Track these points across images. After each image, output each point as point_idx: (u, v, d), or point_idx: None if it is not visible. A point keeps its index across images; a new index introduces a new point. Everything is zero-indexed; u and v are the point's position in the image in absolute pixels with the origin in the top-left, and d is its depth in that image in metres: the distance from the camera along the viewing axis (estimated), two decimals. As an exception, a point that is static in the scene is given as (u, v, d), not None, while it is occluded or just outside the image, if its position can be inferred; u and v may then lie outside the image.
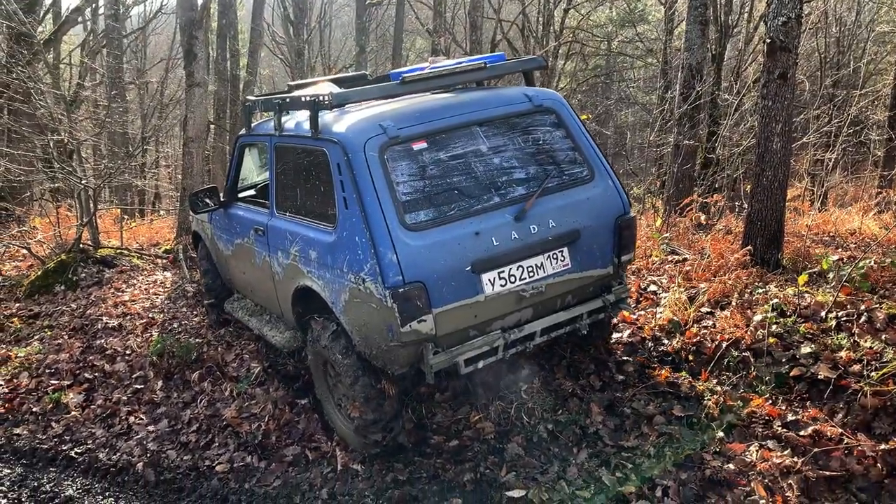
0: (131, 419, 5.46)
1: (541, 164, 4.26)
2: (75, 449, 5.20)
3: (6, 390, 6.04)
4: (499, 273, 3.93)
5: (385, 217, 3.69)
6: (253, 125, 5.34)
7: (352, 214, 3.83)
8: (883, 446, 3.59)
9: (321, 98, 4.09)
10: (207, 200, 5.71)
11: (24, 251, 9.72)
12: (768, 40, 5.52)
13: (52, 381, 6.04)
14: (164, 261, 9.31)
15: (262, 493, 4.41)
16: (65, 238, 9.52)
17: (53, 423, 5.52)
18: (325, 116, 4.21)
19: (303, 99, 4.30)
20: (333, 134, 4.02)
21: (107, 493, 4.72)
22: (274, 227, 4.76)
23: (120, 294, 7.94)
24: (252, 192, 6.21)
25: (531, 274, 4.03)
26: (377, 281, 3.66)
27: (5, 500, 4.83)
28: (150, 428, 5.31)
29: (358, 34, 21.08)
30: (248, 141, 5.49)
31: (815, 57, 16.11)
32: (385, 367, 4.01)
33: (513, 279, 3.97)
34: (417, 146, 3.95)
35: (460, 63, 4.58)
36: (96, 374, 6.10)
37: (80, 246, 9.02)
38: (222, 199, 5.74)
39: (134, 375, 6.05)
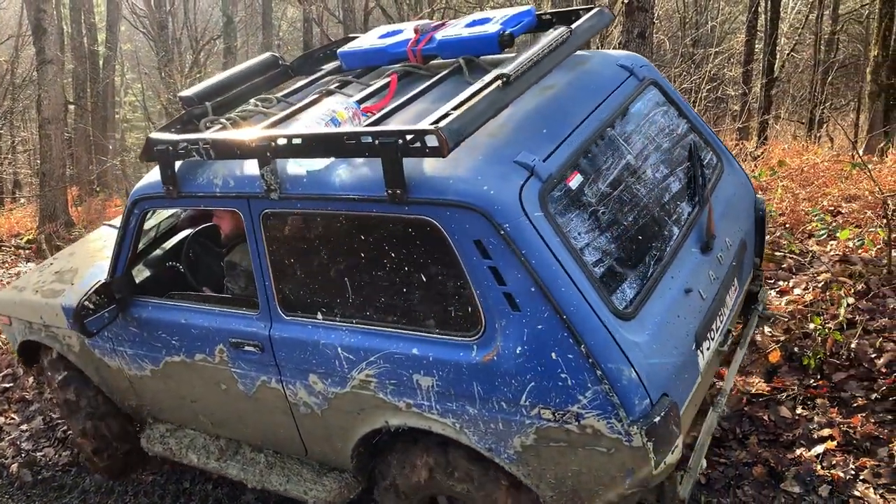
0: (1, 420, 5.16)
1: (681, 161, 3.16)
2: (-61, 456, 4.87)
3: None
4: (707, 335, 2.83)
5: (597, 313, 2.39)
6: (178, 175, 3.06)
7: (530, 319, 2.42)
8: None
9: (410, 137, 2.32)
10: (94, 306, 3.35)
11: None
12: (626, 1, 5.75)
13: None
14: (27, 251, 8.77)
15: (151, 480, 4.30)
16: (-90, 234, 8.78)
17: (-88, 432, 5.14)
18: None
19: (348, 140, 2.43)
20: (451, 192, 2.44)
21: (-21, 500, 4.47)
22: (293, 340, 2.96)
23: (-21, 290, 7.42)
24: (145, 268, 3.89)
25: (722, 320, 2.98)
26: (612, 415, 2.38)
27: None
28: (24, 427, 5.04)
29: (224, 3, 20.30)
30: (166, 205, 3.33)
31: (676, 17, 16.88)
32: None
33: (712, 336, 2.88)
34: (573, 181, 2.63)
35: (482, 25, 3.14)
36: (-40, 375, 5.71)
37: (-71, 241, 8.35)
38: (117, 296, 3.44)
39: (1, 374, 5.70)
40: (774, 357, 3.97)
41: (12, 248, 8.89)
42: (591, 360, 2.35)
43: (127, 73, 26.21)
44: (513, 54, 2.92)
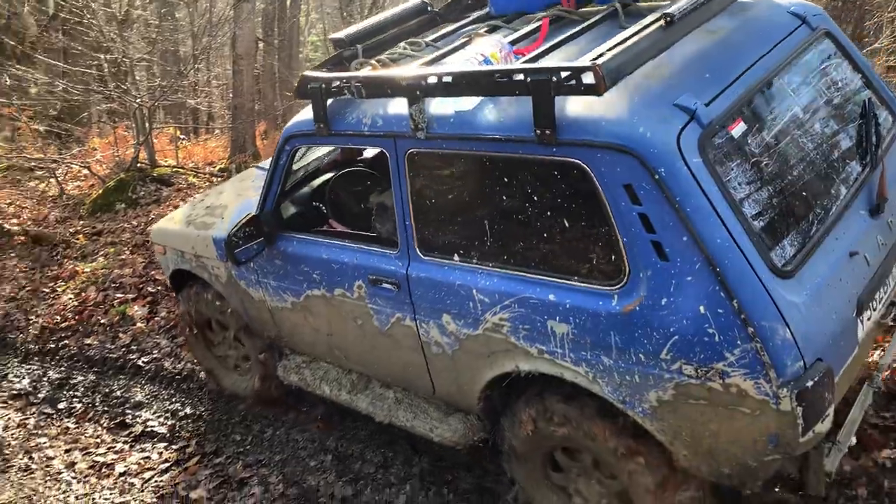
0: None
1: (853, 118, 2.95)
2: (142, 358, 5.45)
3: (76, 303, 6.34)
4: (870, 304, 2.65)
5: (753, 267, 2.26)
6: (329, 114, 3.15)
7: (679, 270, 2.31)
8: None
9: (565, 74, 2.27)
10: (245, 238, 3.53)
11: (85, 171, 10.00)
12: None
13: (118, 295, 6.28)
14: (220, 179, 9.46)
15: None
16: (123, 158, 9.75)
17: (121, 334, 5.78)
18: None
19: (499, 77, 2.41)
20: (603, 133, 2.35)
21: (173, 399, 4.97)
22: (429, 280, 2.98)
23: (178, 211, 8.11)
24: (291, 205, 3.97)
25: (886, 290, 2.79)
26: (760, 375, 2.24)
27: (80, 405, 5.13)
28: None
29: (406, -56, 20.44)
30: (316, 142, 3.54)
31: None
32: (737, 483, 2.58)
33: (875, 305, 2.69)
34: (736, 129, 2.48)
35: None
36: (159, 287, 6.31)
37: (138, 165, 9.22)
38: (266, 230, 3.58)
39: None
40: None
41: (207, 175, 9.64)
42: (742, 317, 2.23)
43: (311, 13, 27.26)
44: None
